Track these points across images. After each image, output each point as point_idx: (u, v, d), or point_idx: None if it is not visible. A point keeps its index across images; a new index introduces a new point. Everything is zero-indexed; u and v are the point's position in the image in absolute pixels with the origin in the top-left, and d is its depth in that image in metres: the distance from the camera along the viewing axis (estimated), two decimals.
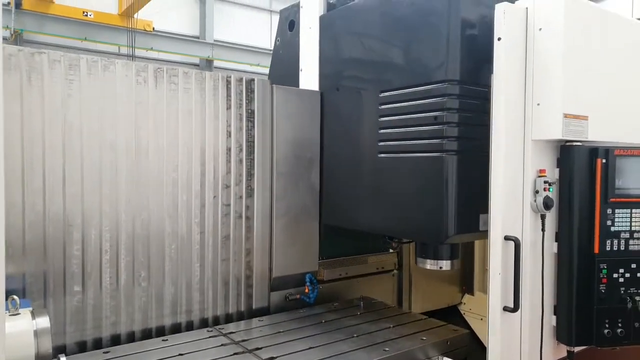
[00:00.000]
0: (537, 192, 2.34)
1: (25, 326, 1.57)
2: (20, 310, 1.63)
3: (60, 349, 2.27)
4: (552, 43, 2.29)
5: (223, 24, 14.82)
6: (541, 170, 2.36)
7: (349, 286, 3.44)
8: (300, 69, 3.37)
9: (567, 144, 2.39)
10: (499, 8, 2.30)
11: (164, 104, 2.63)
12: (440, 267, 2.90)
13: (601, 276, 2.34)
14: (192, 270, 2.76)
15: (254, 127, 2.93)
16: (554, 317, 2.46)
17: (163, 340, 2.55)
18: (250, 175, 2.93)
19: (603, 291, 2.34)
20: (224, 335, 2.64)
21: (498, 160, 2.32)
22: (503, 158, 2.32)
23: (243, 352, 2.42)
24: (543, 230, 2.37)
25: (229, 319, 2.90)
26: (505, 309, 2.33)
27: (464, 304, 3.97)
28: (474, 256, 3.85)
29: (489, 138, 2.35)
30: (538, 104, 2.31)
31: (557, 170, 2.42)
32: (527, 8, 2.36)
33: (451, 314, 3.83)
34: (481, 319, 3.67)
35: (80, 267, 2.42)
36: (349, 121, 2.99)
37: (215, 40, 14.41)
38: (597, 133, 2.42)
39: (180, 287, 2.73)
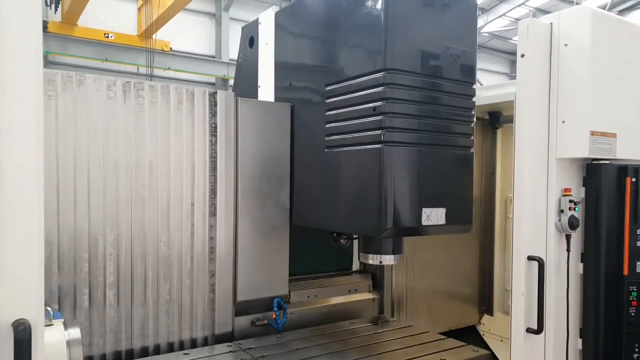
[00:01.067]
0: (562, 211, 2.33)
1: (59, 337, 1.59)
2: (53, 321, 1.65)
3: None
4: (578, 59, 2.28)
5: (237, 43, 14.96)
6: (566, 189, 2.35)
7: (322, 312, 3.20)
8: (258, 85, 3.31)
9: (594, 162, 2.36)
10: (522, 24, 2.31)
11: (132, 119, 2.51)
12: (381, 262, 2.69)
13: (631, 299, 2.30)
14: (160, 292, 2.61)
15: (216, 142, 2.75)
16: (579, 340, 2.41)
17: (185, 354, 2.56)
18: (213, 193, 2.74)
19: (633, 314, 2.30)
20: (243, 350, 2.64)
21: (521, 178, 2.32)
22: (527, 177, 2.31)
23: None
24: (568, 250, 2.35)
25: (193, 344, 2.71)
26: (529, 330, 2.31)
27: (483, 324, 3.91)
28: (494, 276, 3.82)
29: (437, 130, 2.36)
30: (563, 122, 2.31)
31: (583, 189, 2.40)
32: (551, 24, 2.36)
33: (469, 335, 3.77)
34: (501, 341, 3.62)
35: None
36: (306, 123, 2.88)
37: (230, 60, 14.66)
38: (626, 151, 2.39)
39: (148, 309, 2.60)
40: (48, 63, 11.61)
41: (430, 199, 2.36)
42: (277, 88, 3.11)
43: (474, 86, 2.54)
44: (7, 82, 1.07)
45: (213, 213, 2.75)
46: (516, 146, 2.34)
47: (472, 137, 2.56)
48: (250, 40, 3.46)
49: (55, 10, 11.54)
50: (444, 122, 2.44)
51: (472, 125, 2.56)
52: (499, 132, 4.03)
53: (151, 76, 12.03)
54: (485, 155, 4.02)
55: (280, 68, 3.10)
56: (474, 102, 2.56)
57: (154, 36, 12.45)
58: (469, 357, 2.68)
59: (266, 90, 3.21)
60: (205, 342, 2.74)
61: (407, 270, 3.57)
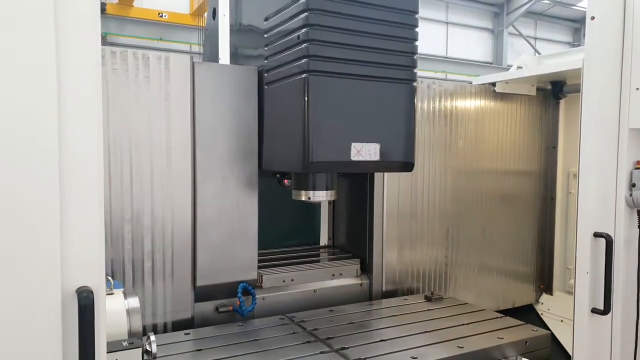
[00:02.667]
0: (633, 185, 2.17)
1: (119, 305, 1.66)
2: (114, 291, 1.72)
3: None
4: None
5: None
6: (639, 162, 2.18)
7: (300, 299, 2.97)
8: (218, 58, 3.20)
9: None
10: None
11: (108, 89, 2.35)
12: (309, 198, 2.57)
13: None
14: (125, 275, 2.46)
15: (170, 113, 2.49)
16: None
17: (239, 325, 2.62)
18: (170, 168, 2.51)
19: None
20: (296, 323, 2.67)
21: (588, 151, 2.17)
22: (594, 149, 2.16)
23: (315, 341, 2.44)
24: None
25: (155, 330, 2.52)
26: (594, 310, 2.19)
27: (542, 303, 3.78)
28: (554, 253, 3.66)
29: (369, 61, 2.29)
30: (637, 89, 2.13)
31: None
32: None
33: (526, 314, 3.66)
34: (561, 321, 3.49)
35: None
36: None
37: None
38: None
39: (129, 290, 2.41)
40: (106, 44, 12.05)
41: (361, 134, 2.28)
42: (231, 55, 3.09)
43: (416, 16, 2.45)
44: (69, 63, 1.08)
45: (170, 190, 2.51)
46: (583, 116, 2.18)
47: (414, 70, 2.46)
48: (213, 12, 3.40)
49: None
50: (378, 53, 2.34)
51: (414, 57, 2.45)
52: (562, 102, 3.82)
53: (201, 54, 12.24)
54: (547, 127, 3.84)
55: (233, 35, 3.08)
56: (416, 32, 2.46)
57: (205, 14, 12.62)
58: (527, 337, 2.60)
59: (224, 61, 3.16)
60: (165, 329, 2.56)
61: (455, 245, 3.48)
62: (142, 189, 2.45)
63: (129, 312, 1.67)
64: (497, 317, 2.87)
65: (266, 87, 2.57)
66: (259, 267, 2.85)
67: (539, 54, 18.99)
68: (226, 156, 2.65)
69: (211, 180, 2.62)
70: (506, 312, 3.01)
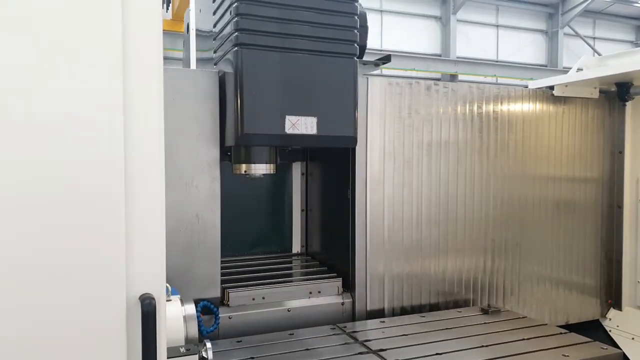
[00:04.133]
0: None
1: (176, 312, 1.68)
2: (172, 297, 1.75)
3: None
4: None
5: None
6: None
7: (272, 318, 2.73)
8: (190, 62, 3.32)
9: None
10: None
11: None
12: (245, 172, 2.54)
13: None
14: None
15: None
16: None
17: (289, 334, 2.61)
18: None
19: None
20: (347, 334, 2.63)
21: None
22: None
23: (367, 353, 2.38)
24: None
25: None
26: None
27: (609, 319, 3.56)
28: (622, 265, 3.44)
29: (303, 34, 2.33)
30: None
31: None
32: None
33: (592, 330, 3.45)
34: (632, 339, 3.27)
35: None
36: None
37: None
38: None
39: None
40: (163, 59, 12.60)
41: (296, 107, 2.30)
42: (198, 60, 3.18)
43: None
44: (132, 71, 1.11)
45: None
46: None
47: (354, 45, 2.48)
48: (187, 27, 3.54)
49: (167, 9, 12.38)
50: (313, 27, 2.38)
51: (354, 31, 2.47)
52: (629, 105, 3.61)
53: None
54: (611, 131, 3.63)
55: (199, 40, 3.16)
56: (356, 6, 2.49)
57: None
58: (596, 355, 2.43)
59: (193, 52, 3.28)
60: None
61: (506, 255, 3.33)
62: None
63: (185, 318, 1.69)
64: (561, 333, 2.72)
65: (219, 75, 2.52)
66: (225, 283, 2.70)
67: (598, 54, 18.20)
68: (186, 165, 2.50)
69: (169, 190, 2.33)
70: (569, 328, 2.85)
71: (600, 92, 3.57)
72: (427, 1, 16.80)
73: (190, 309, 1.72)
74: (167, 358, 1.53)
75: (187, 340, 1.66)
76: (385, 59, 3.15)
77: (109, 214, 1.07)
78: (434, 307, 3.12)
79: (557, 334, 2.71)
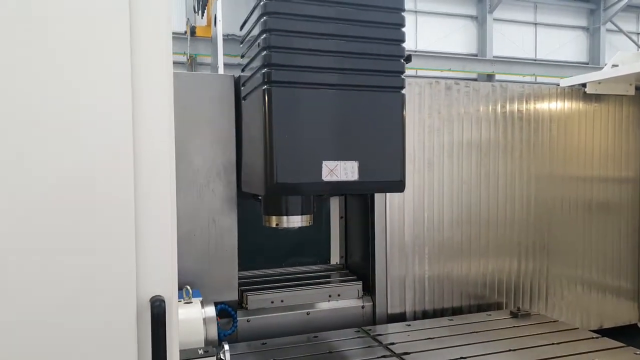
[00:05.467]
0: None
1: (196, 314, 1.74)
2: (192, 300, 1.81)
3: None
4: None
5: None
6: None
7: (290, 321, 2.72)
8: (217, 66, 3.08)
9: None
10: None
11: None
12: (277, 225, 2.28)
13: None
14: None
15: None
16: None
17: (314, 336, 2.64)
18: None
19: None
20: (371, 337, 2.64)
21: None
22: None
23: (390, 356, 2.39)
24: None
25: None
26: None
27: None
28: None
29: (344, 68, 2.02)
30: None
31: None
32: None
33: (628, 335, 3.32)
34: None
35: None
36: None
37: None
38: None
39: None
40: (197, 64, 12.82)
41: (335, 150, 2.01)
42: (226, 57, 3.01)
43: (402, 13, 2.13)
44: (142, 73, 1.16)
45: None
46: None
47: (401, 76, 2.15)
48: (215, 18, 3.32)
49: (202, 15, 12.66)
50: (353, 59, 2.07)
51: (401, 61, 2.14)
52: None
53: None
54: None
55: (225, 45, 3.03)
56: (403, 32, 2.15)
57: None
58: None
59: (221, 57, 3.05)
60: None
61: (537, 257, 3.25)
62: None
63: (205, 320, 1.75)
64: (593, 338, 2.64)
65: (243, 101, 2.38)
66: (244, 287, 2.70)
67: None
68: (201, 169, 2.51)
69: (184, 194, 2.47)
70: (603, 333, 2.76)
71: (637, 88, 3.45)
72: (463, 0, 16.59)
73: (210, 311, 1.78)
74: None
75: (207, 342, 1.72)
76: (406, 59, 3.11)
77: (118, 216, 1.11)
78: (456, 311, 3.08)
79: (588, 338, 2.63)
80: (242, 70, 2.37)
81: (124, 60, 1.12)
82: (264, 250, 2.72)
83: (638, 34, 18.36)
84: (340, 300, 2.84)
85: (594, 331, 2.82)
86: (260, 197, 2.38)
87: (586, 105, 3.36)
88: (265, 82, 1.99)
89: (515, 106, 3.19)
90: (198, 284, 2.43)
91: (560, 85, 3.39)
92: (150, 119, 1.15)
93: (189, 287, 1.81)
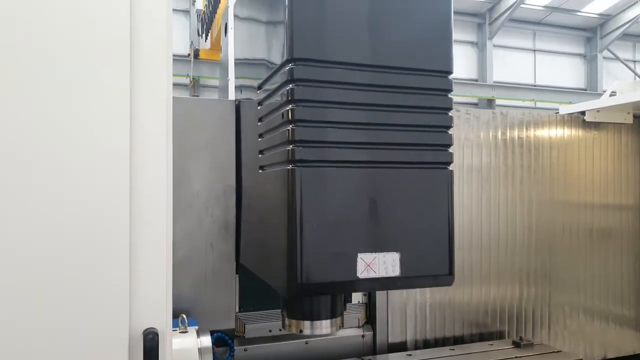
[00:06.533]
0: None
1: (191, 344, 1.70)
2: (188, 329, 1.78)
3: None
4: None
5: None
6: None
7: (288, 350, 2.64)
8: (228, 78, 2.78)
9: None
10: None
11: None
12: (300, 331, 1.93)
13: None
14: None
15: None
16: None
17: None
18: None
19: None
20: None
21: None
22: None
23: None
24: None
25: None
26: None
27: None
28: None
29: (380, 142, 1.71)
30: None
31: None
32: None
33: None
34: None
35: None
36: (250, 134, 2.27)
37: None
38: None
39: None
40: (200, 87, 12.96)
41: (372, 240, 1.68)
42: (236, 88, 2.69)
43: (450, 77, 1.83)
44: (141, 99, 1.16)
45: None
46: None
47: (448, 150, 1.83)
48: (225, 27, 3.00)
49: (206, 39, 12.83)
50: (393, 131, 1.74)
51: (448, 132, 1.83)
52: None
53: None
54: None
55: (237, 64, 2.67)
56: (450, 99, 1.83)
57: None
58: None
59: (232, 82, 2.77)
60: None
61: (539, 284, 3.21)
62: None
63: (201, 351, 1.71)
64: None
65: (260, 171, 2.04)
66: (242, 314, 2.63)
67: (639, 77, 17.63)
68: (200, 194, 2.46)
69: (183, 219, 2.43)
70: None
71: (635, 117, 3.47)
72: (463, 27, 16.83)
73: (206, 340, 1.74)
74: None
75: None
76: None
77: (112, 247, 1.09)
78: (458, 340, 3.02)
79: None
80: (260, 136, 2.03)
81: (123, 84, 1.12)
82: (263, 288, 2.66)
83: (635, 61, 18.60)
84: (340, 329, 2.80)
85: None
86: None
87: (584, 132, 3.37)
88: (290, 160, 1.65)
89: (516, 133, 3.19)
90: (195, 311, 2.39)
91: (560, 112, 3.41)
92: (148, 146, 1.15)
93: (184, 316, 1.78)
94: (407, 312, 2.93)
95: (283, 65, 1.70)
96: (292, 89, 1.65)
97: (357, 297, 2.98)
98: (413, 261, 1.74)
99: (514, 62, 17.34)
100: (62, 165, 1.09)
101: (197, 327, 1.82)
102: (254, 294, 2.66)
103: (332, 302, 1.95)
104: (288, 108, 1.66)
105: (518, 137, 3.20)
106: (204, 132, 2.48)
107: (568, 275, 3.29)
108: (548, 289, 3.24)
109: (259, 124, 2.03)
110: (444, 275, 1.82)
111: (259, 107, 2.05)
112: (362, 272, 1.66)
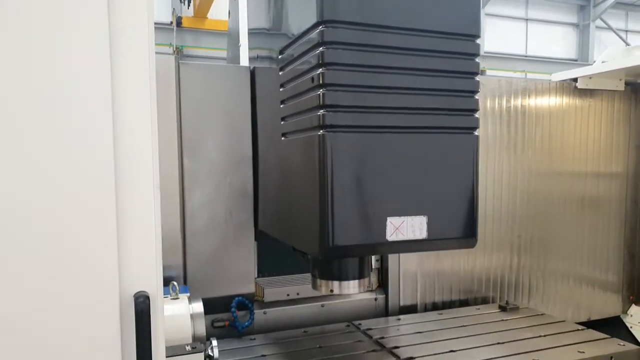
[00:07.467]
0: None
1: (183, 310, 1.73)
2: (179, 296, 1.80)
3: None
4: None
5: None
6: None
7: (305, 313, 2.75)
8: (239, 43, 2.74)
9: None
10: None
11: None
12: (331, 291, 2.03)
13: None
14: None
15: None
16: None
17: (304, 331, 2.64)
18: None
19: None
20: (361, 331, 2.64)
21: None
22: None
23: (381, 350, 2.39)
24: None
25: None
26: None
27: (631, 316, 3.48)
28: None
29: (410, 107, 1.72)
30: None
31: None
32: None
33: (612, 327, 3.38)
34: None
35: None
36: (269, 100, 2.27)
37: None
38: None
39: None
40: (183, 56, 12.70)
41: (401, 204, 1.72)
42: (250, 58, 2.64)
43: (477, 40, 1.81)
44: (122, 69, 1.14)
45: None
46: None
47: (475, 115, 1.85)
48: (234, 25, 2.99)
49: (188, 6, 12.48)
50: (422, 96, 1.75)
51: (475, 97, 1.83)
52: None
53: None
54: (637, 124, 3.55)
55: (250, 33, 2.65)
56: (477, 64, 1.82)
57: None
58: (612, 352, 2.39)
59: (246, 50, 2.73)
60: None
61: (528, 251, 3.29)
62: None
63: (193, 316, 1.73)
64: (578, 330, 2.67)
65: (282, 139, 2.05)
66: (261, 279, 2.73)
67: (627, 44, 17.58)
68: (218, 162, 2.49)
69: (201, 187, 2.48)
70: (590, 325, 2.79)
71: (626, 84, 3.48)
72: None
73: (198, 307, 1.77)
74: (173, 356, 1.58)
75: (195, 339, 1.70)
76: None
77: (99, 210, 1.08)
78: (463, 303, 3.14)
79: (574, 330, 2.67)
80: (282, 103, 2.02)
81: (102, 56, 1.10)
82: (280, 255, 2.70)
83: (627, 31, 18.51)
84: (366, 289, 2.90)
85: (581, 323, 2.85)
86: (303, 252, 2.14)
87: (580, 100, 3.39)
88: (321, 126, 1.66)
89: (519, 101, 3.21)
90: (216, 276, 2.50)
91: (552, 79, 3.41)
92: (131, 109, 1.13)
93: (175, 283, 1.80)
94: (418, 278, 3.02)
95: (312, 28, 1.68)
96: (322, 52, 1.64)
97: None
98: (439, 224, 1.79)
99: (506, 32, 17.19)
100: (44, 126, 1.07)
101: (188, 294, 1.85)
102: (271, 260, 2.75)
103: (360, 263, 2.04)
104: (319, 72, 1.65)
105: (521, 105, 3.21)
106: (220, 99, 2.47)
107: (561, 243, 3.37)
108: (544, 257, 3.33)
109: (280, 89, 2.02)
110: (467, 238, 1.88)
111: (280, 73, 2.02)
112: (391, 235, 1.72)
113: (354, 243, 1.71)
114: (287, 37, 1.96)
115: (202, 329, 1.72)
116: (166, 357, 1.44)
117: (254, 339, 2.53)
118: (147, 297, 1.09)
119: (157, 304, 1.13)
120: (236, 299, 2.53)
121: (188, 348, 1.62)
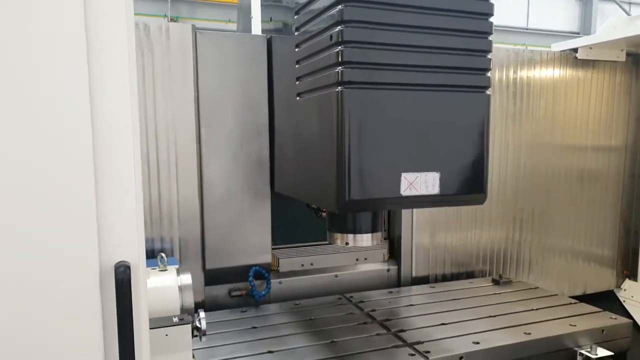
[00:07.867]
0: None
1: (171, 282, 1.71)
2: (167, 267, 1.78)
3: None
4: None
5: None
6: None
7: (319, 283, 2.82)
8: (251, 15, 2.75)
9: None
10: None
11: None
12: (347, 243, 2.13)
13: None
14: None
15: (171, 87, 2.33)
16: None
17: (295, 303, 2.64)
18: (173, 147, 2.37)
19: None
20: (353, 304, 2.64)
21: None
22: None
23: (371, 322, 2.40)
24: None
25: None
26: None
27: (624, 290, 3.49)
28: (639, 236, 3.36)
29: (424, 65, 1.75)
30: None
31: None
32: None
33: (606, 301, 3.40)
34: None
35: None
36: (284, 63, 2.31)
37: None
38: None
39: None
40: None
41: (415, 160, 1.77)
42: (262, 31, 2.66)
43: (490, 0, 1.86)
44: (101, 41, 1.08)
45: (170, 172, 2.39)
46: None
47: (487, 74, 1.88)
48: None
49: None
50: (436, 54, 1.79)
51: (487, 57, 1.88)
52: None
53: None
54: (637, 96, 3.49)
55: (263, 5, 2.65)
56: (491, 23, 1.87)
57: None
58: (604, 325, 2.39)
59: (258, 21, 2.73)
60: None
61: (524, 226, 3.28)
62: (144, 169, 2.31)
63: (181, 288, 1.72)
64: (571, 303, 2.68)
65: (297, 98, 2.10)
66: (276, 250, 2.75)
67: (628, 14, 17.35)
68: (234, 132, 2.50)
69: (218, 158, 2.49)
70: (584, 299, 2.79)
71: (628, 54, 3.41)
72: None
73: (187, 279, 1.75)
74: (160, 327, 1.57)
75: (183, 310, 1.69)
76: None
77: (76, 177, 1.04)
78: (470, 275, 3.18)
79: (567, 304, 2.67)
80: (297, 63, 2.06)
81: (77, 29, 1.04)
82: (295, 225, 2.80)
83: (630, 3, 18.22)
84: (366, 263, 2.95)
85: (576, 297, 2.86)
86: (318, 209, 2.30)
87: (578, 71, 3.32)
88: (339, 82, 1.70)
89: (525, 72, 3.17)
90: (232, 247, 2.55)
91: (552, 49, 3.34)
92: (108, 69, 1.07)
93: (163, 255, 1.77)
94: (430, 250, 3.05)
95: None
96: (341, 10, 1.68)
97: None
98: (451, 180, 1.85)
99: (506, 4, 16.90)
100: (19, 93, 1.02)
101: (177, 266, 1.82)
102: (286, 230, 2.79)
103: (373, 218, 2.13)
104: (337, 29, 1.70)
105: (527, 76, 3.16)
106: (237, 68, 2.47)
107: (560, 217, 3.36)
108: (544, 231, 3.33)
109: (296, 50, 2.07)
110: (478, 194, 1.94)
111: (296, 33, 2.07)
112: (405, 190, 1.78)
113: (370, 197, 1.76)
114: None
115: (190, 301, 1.71)
116: (153, 328, 1.43)
117: (245, 311, 2.52)
118: (128, 267, 1.06)
119: (139, 275, 1.10)
120: (253, 268, 2.59)
121: (175, 320, 1.60)
